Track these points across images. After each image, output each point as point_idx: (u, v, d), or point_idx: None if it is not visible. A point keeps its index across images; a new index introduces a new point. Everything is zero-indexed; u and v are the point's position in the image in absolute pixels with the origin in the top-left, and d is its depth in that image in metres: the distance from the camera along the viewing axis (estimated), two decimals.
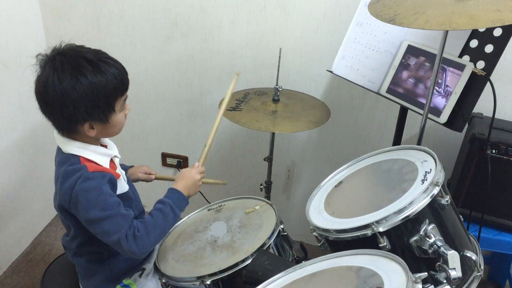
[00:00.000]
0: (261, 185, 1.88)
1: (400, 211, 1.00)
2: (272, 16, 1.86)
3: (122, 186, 1.24)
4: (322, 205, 1.23)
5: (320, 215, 1.19)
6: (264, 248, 1.31)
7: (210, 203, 1.65)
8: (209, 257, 1.35)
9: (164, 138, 2.30)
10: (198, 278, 1.26)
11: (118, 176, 1.22)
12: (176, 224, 1.57)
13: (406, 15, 1.10)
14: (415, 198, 1.00)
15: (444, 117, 1.36)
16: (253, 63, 1.94)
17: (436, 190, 1.01)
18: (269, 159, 1.82)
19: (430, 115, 1.37)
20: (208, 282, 1.24)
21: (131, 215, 1.16)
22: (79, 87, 1.06)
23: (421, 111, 1.37)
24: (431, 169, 1.09)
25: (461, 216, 1.16)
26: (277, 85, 1.66)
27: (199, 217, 1.57)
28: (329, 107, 1.74)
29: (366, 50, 1.57)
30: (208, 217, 1.56)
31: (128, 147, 2.33)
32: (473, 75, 1.32)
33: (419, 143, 1.38)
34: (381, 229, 0.99)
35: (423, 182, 1.06)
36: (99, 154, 1.19)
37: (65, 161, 1.17)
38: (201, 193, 2.10)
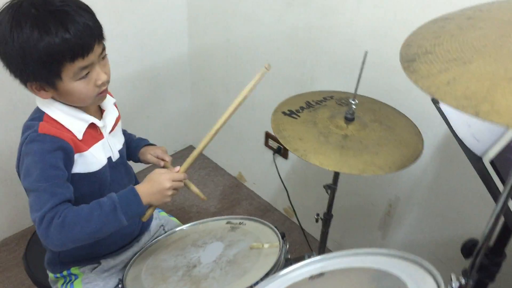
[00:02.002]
0: (317, 215, 1.46)
1: None
2: (408, 3, 1.33)
3: (89, 164, 1.04)
4: None
5: None
6: None
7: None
8: (168, 285, 1.09)
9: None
10: None
11: (84, 149, 1.02)
12: (189, 225, 1.33)
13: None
14: None
15: None
16: (368, 59, 1.45)
17: None
18: (331, 189, 1.38)
19: None
20: None
21: (64, 196, 0.95)
22: (12, 42, 0.88)
23: None
24: None
25: None
26: (354, 100, 1.19)
27: (212, 228, 1.29)
28: None
29: None
30: (219, 231, 1.27)
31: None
32: None
33: None
34: None
35: None
36: (68, 115, 1.01)
37: (31, 114, 1.03)
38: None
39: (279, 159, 2.08)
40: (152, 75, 2.21)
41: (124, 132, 1.30)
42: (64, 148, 0.98)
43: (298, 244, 2.05)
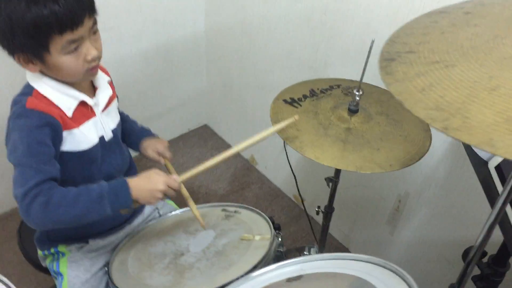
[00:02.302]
0: (318, 207, 1.40)
1: None
2: None
3: (78, 143, 1.02)
4: None
5: None
6: None
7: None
8: (153, 272, 1.07)
9: None
10: None
11: (73, 126, 1.00)
12: (184, 210, 1.31)
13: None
14: None
15: None
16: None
17: None
18: (332, 182, 1.32)
19: None
20: None
21: (50, 174, 0.93)
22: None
23: None
24: None
25: None
26: (358, 91, 1.11)
27: (207, 214, 1.26)
28: None
29: None
30: (213, 219, 1.23)
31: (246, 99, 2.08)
32: None
33: None
34: None
35: None
36: (58, 92, 0.98)
37: (22, 89, 1.01)
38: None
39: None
40: (166, 52, 2.17)
41: (127, 118, 1.28)
42: (52, 124, 0.95)
43: (305, 232, 2.01)
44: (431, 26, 0.57)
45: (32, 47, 0.90)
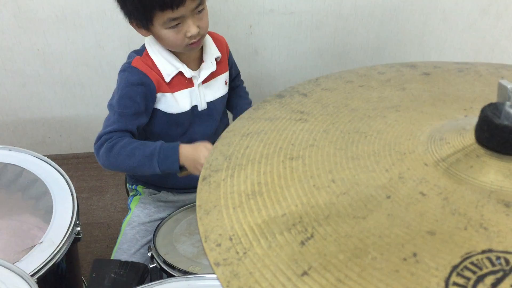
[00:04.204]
0: None
1: None
2: None
3: (169, 106, 1.14)
4: None
5: None
6: None
7: None
8: (188, 240, 1.20)
9: None
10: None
11: (168, 91, 1.12)
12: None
13: None
14: None
15: None
16: None
17: None
18: None
19: None
20: None
21: (126, 126, 1.06)
22: None
23: None
24: None
25: None
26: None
27: None
28: None
29: None
30: None
31: None
32: None
33: None
34: None
35: None
36: (163, 58, 1.11)
37: (141, 47, 1.17)
38: None
39: None
40: None
41: (241, 93, 1.36)
42: (147, 85, 1.09)
43: None
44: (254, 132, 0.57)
45: (139, 17, 1.04)
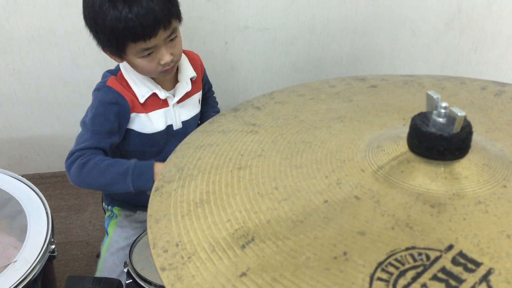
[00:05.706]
0: None
1: None
2: None
3: (144, 126, 1.15)
4: None
5: None
6: None
7: None
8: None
9: None
10: None
11: (142, 111, 1.13)
12: None
13: None
14: None
15: None
16: None
17: None
18: None
19: None
20: None
21: (99, 144, 1.07)
22: (91, 6, 0.99)
23: None
24: None
25: None
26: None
27: None
28: None
29: None
30: None
31: None
32: None
33: None
34: None
35: None
36: (138, 79, 1.12)
37: (115, 66, 1.18)
38: None
39: None
40: None
41: (213, 109, 1.36)
42: (122, 104, 1.09)
43: None
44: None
45: (112, 47, 1.03)
